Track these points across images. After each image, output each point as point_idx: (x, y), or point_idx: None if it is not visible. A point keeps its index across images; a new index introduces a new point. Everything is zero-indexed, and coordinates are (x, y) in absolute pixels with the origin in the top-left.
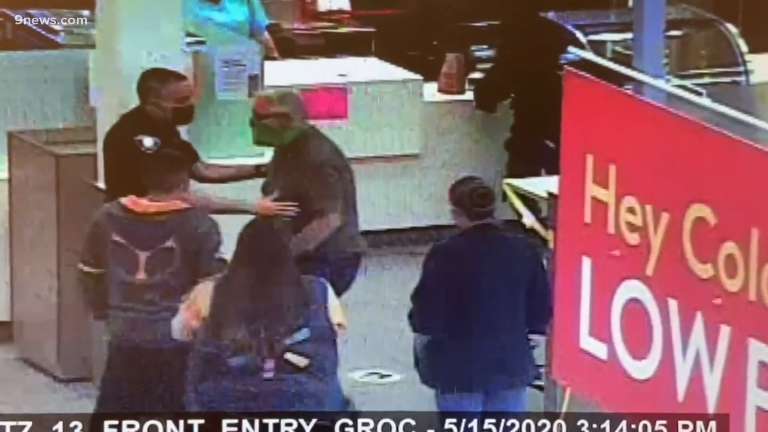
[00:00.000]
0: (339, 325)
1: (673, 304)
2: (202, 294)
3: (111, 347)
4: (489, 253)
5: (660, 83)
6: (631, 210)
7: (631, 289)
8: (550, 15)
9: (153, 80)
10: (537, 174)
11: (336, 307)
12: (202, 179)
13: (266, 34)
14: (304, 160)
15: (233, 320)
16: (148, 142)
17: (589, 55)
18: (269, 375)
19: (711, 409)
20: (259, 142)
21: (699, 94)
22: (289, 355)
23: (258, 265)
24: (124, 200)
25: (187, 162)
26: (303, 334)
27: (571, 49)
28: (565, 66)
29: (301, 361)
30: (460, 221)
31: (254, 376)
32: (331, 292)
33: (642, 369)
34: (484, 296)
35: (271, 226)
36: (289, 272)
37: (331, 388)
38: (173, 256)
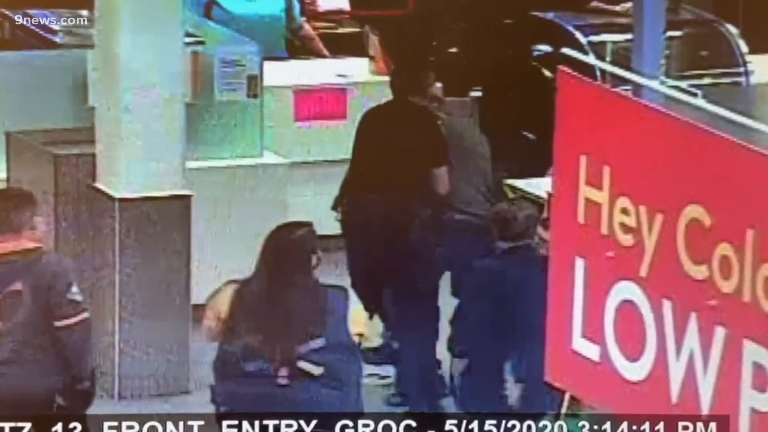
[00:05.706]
0: (359, 335)
1: (667, 306)
2: (224, 295)
3: None
4: (527, 274)
5: (654, 84)
6: (624, 211)
7: (624, 290)
8: (550, 15)
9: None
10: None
11: (357, 317)
12: None
13: (307, 27)
14: None
15: (250, 325)
16: None
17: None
18: (283, 381)
19: (705, 410)
20: None
21: (694, 95)
22: (302, 363)
23: (277, 271)
24: None
25: (32, 200)
26: (318, 342)
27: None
28: (559, 66)
29: (315, 370)
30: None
31: (269, 381)
32: (354, 301)
33: (635, 370)
34: (524, 317)
35: (296, 233)
36: (309, 280)
37: (350, 397)
38: (22, 299)
